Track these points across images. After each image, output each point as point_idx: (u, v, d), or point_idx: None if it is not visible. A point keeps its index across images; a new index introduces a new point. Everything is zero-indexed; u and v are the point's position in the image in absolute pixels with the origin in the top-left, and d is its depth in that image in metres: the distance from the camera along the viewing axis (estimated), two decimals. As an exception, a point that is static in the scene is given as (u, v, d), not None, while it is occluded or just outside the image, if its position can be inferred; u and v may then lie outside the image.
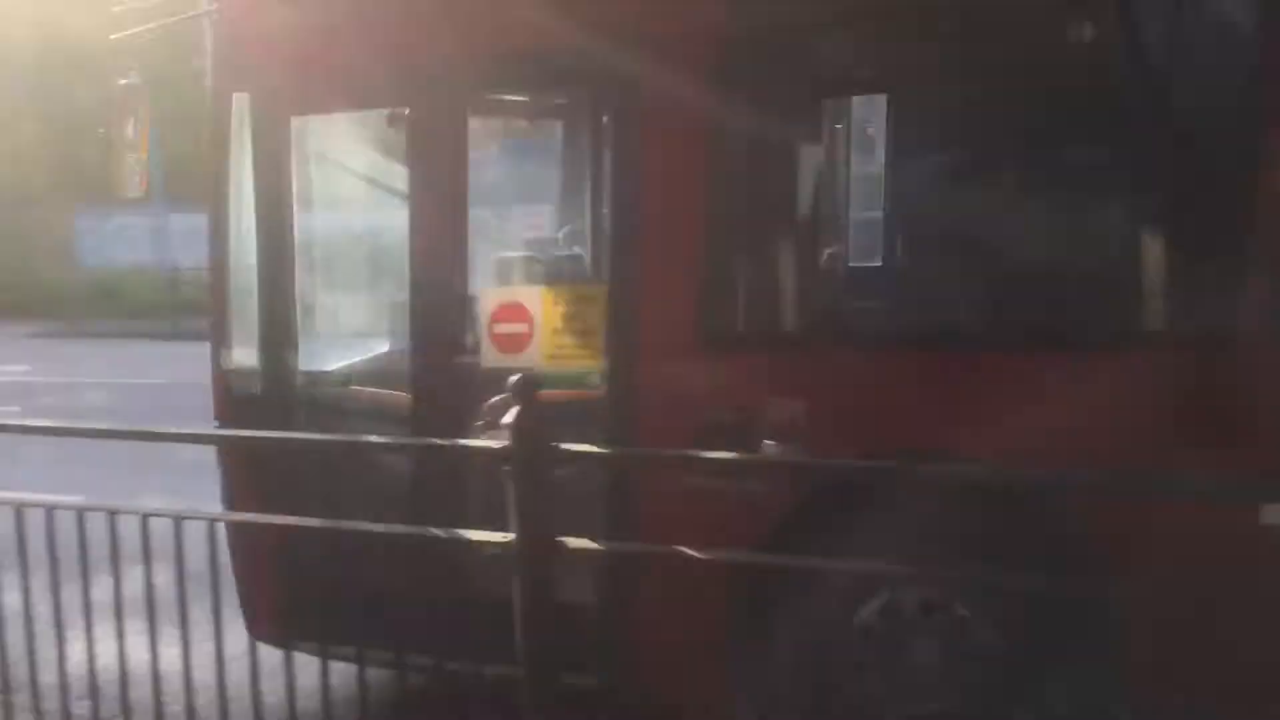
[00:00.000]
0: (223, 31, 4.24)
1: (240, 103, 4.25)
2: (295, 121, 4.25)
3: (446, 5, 3.96)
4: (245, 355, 4.35)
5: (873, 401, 3.29)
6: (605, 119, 4.54)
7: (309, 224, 4.46)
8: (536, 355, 3.88)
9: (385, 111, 4.49)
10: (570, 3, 3.63)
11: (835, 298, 4.29)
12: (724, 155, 3.54)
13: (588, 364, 3.86)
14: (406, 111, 4.11)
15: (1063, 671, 3.08)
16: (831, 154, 4.73)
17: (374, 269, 4.80)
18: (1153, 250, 3.32)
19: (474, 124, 4.23)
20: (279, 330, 4.28)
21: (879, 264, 4.86)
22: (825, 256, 4.28)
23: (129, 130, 4.73)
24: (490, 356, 3.93)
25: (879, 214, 4.87)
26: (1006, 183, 3.84)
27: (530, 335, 3.92)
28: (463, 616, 3.35)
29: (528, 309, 3.93)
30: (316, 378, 4.45)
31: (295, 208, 4.31)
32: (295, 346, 4.29)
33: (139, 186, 4.83)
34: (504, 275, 4.43)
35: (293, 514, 3.43)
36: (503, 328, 3.97)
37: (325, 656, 3.34)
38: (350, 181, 4.89)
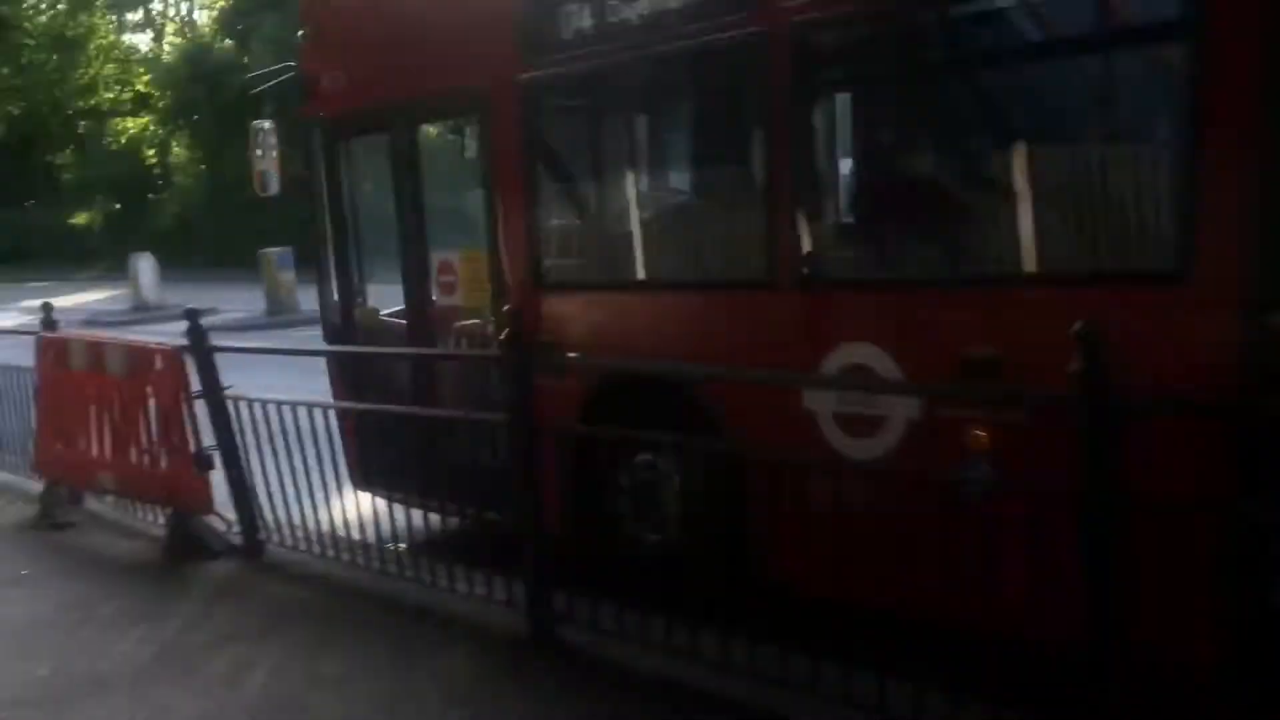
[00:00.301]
0: (305, 87, 6.91)
1: (314, 131, 6.92)
2: (341, 145, 6.86)
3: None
4: (335, 302, 7.07)
5: (619, 325, 5.43)
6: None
7: (355, 211, 6.97)
8: (459, 297, 6.32)
9: (385, 137, 6.65)
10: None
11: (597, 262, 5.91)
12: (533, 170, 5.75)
13: (481, 300, 6.12)
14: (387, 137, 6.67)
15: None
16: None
17: (391, 244, 6.59)
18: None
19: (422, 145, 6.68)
20: (348, 287, 6.98)
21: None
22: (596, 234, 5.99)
23: (260, 154, 7.41)
24: (439, 298, 6.46)
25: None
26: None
27: (456, 284, 6.33)
28: (477, 475, 5.26)
29: (455, 266, 6.32)
30: (369, 313, 7.02)
31: (346, 201, 6.91)
32: (358, 296, 7.03)
33: (270, 190, 7.46)
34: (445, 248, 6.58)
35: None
36: (443, 278, 6.40)
37: (391, 500, 6.07)
38: (376, 183, 7.17)
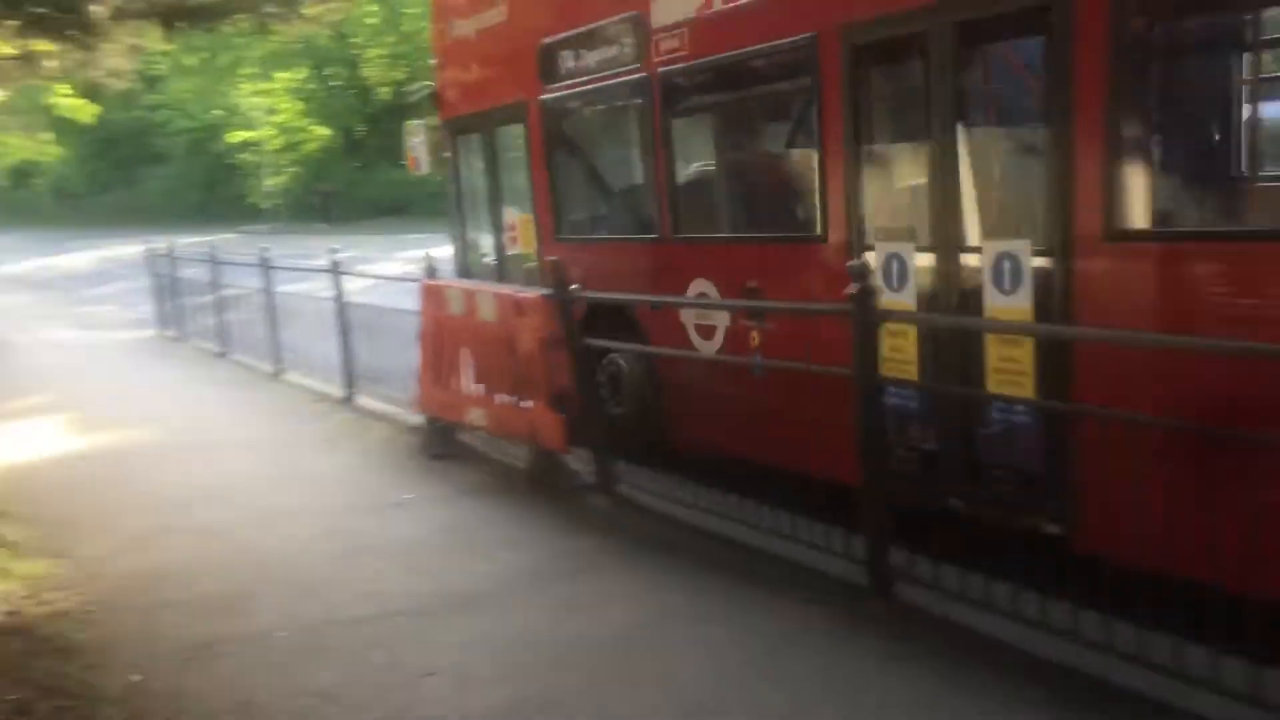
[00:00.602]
0: (436, 100, 9.79)
1: (445, 127, 9.75)
2: (458, 139, 9.63)
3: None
4: (460, 247, 9.86)
5: (608, 268, 7.49)
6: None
7: (468, 185, 9.73)
8: (519, 246, 8.84)
9: (478, 134, 9.34)
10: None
11: (583, 222, 8.48)
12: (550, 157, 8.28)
13: (530, 248, 8.65)
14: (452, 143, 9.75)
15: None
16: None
17: (489, 211, 9.38)
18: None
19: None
20: (464, 238, 9.78)
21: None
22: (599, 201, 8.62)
23: (413, 144, 10.09)
24: (509, 247, 9.05)
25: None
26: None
27: (517, 237, 8.88)
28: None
29: (515, 225, 8.90)
30: (475, 257, 9.69)
31: (463, 178, 9.73)
32: (471, 244, 9.75)
33: (423, 169, 10.08)
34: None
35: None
36: (509, 233, 9.01)
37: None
38: (478, 166, 9.50)
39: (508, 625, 4.89)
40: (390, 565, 5.75)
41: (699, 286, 6.77)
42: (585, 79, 7.64)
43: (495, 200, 9.19)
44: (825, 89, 5.71)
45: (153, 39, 8.82)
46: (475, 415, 7.52)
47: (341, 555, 5.95)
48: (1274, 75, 5.81)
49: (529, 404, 6.89)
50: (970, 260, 5.08)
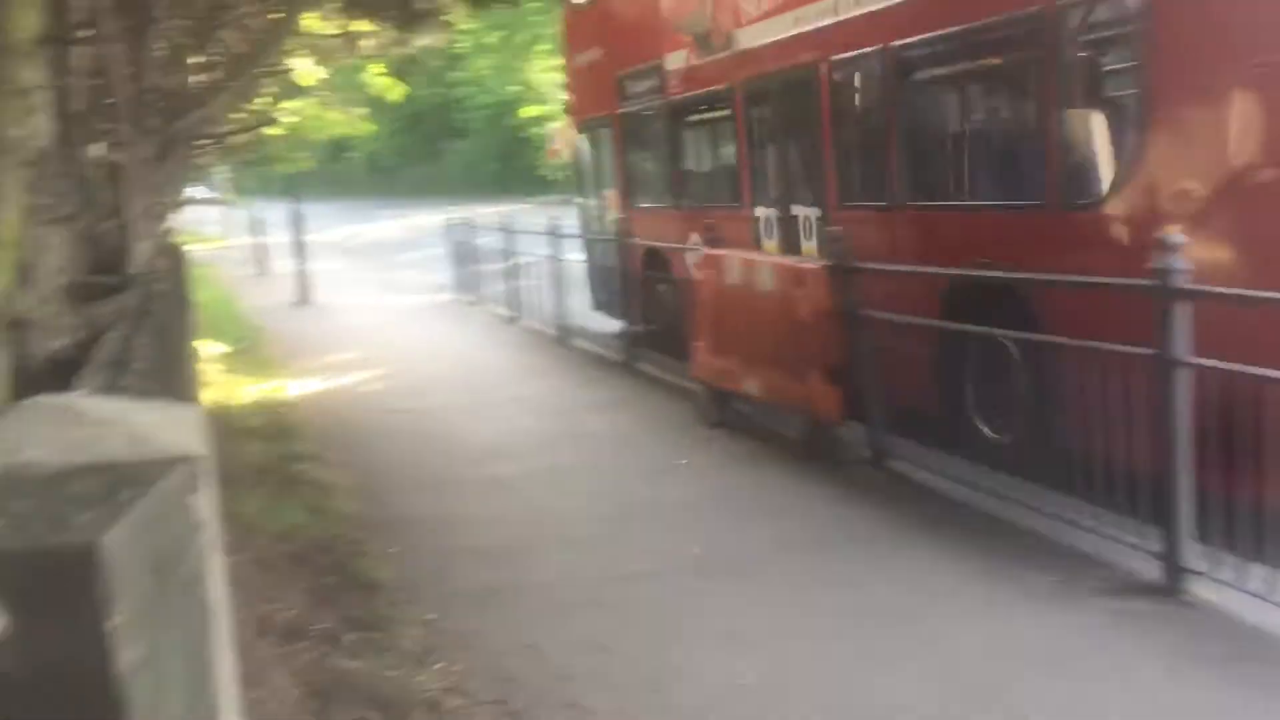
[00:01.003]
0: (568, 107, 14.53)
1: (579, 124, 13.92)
2: (585, 134, 13.46)
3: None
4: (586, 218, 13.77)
5: (652, 227, 11.20)
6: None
7: (589, 171, 13.56)
8: (611, 213, 12.49)
9: (591, 135, 13.36)
10: None
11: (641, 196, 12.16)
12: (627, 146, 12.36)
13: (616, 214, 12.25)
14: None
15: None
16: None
17: (595, 187, 13.30)
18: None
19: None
20: (585, 209, 13.81)
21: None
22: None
23: (552, 139, 16.22)
24: (606, 213, 12.90)
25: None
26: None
27: (609, 206, 12.78)
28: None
29: (608, 196, 12.88)
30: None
31: (587, 166, 13.61)
32: (587, 213, 13.67)
33: (564, 158, 15.24)
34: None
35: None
36: (606, 202, 13.00)
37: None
38: (592, 157, 13.32)
39: (774, 591, 4.92)
40: (663, 527, 5.91)
41: (694, 240, 9.60)
42: (637, 102, 11.68)
43: (599, 179, 13.08)
44: (737, 119, 9.77)
45: (460, 17, 9.36)
46: (750, 384, 7.58)
47: (617, 515, 6.16)
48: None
49: (804, 375, 6.87)
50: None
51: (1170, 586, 4.50)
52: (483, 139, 53.69)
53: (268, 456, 7.53)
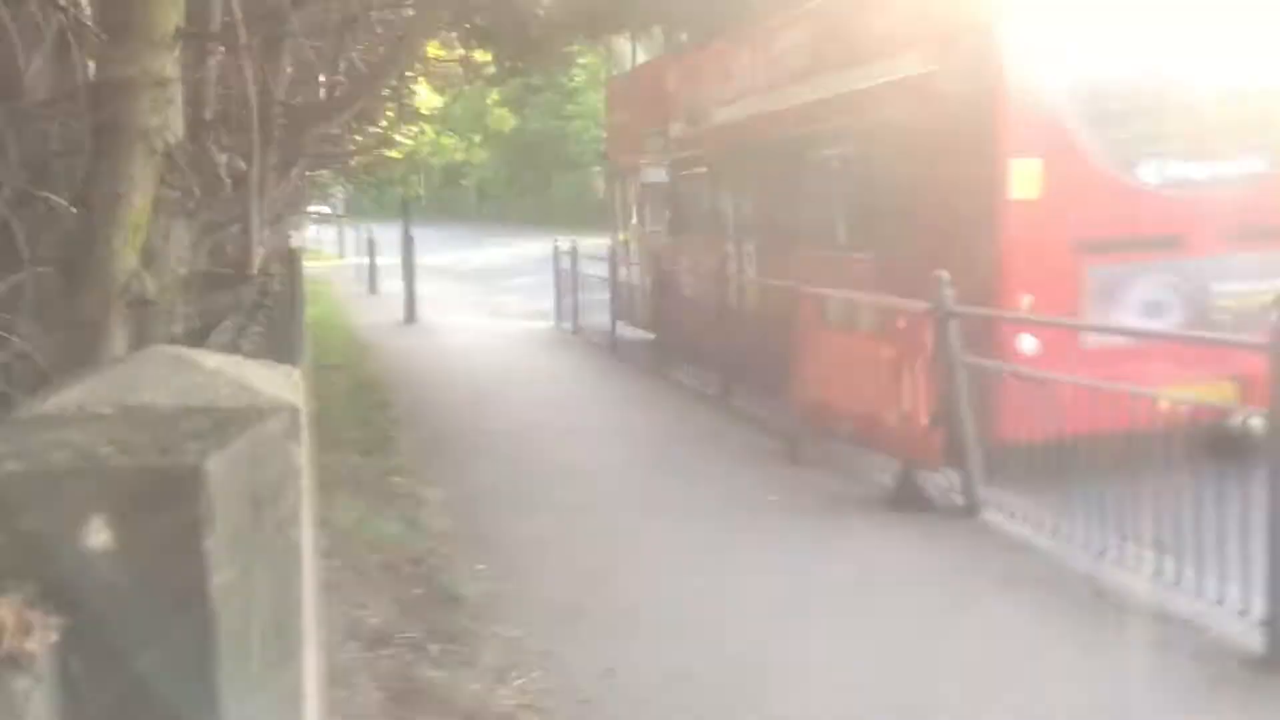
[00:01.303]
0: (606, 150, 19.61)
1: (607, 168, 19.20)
2: (616, 176, 17.57)
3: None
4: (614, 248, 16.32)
5: (703, 258, 12.66)
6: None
7: (626, 204, 16.66)
8: (633, 241, 16.33)
9: (623, 174, 17.07)
10: None
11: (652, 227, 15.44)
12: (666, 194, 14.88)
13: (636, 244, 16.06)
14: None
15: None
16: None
17: (622, 219, 16.82)
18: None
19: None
20: (615, 239, 16.74)
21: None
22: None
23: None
24: (630, 241, 16.41)
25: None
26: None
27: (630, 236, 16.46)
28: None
29: (630, 228, 16.55)
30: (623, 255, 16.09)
31: (619, 201, 17.17)
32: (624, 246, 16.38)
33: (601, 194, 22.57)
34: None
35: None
36: (628, 233, 16.54)
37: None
38: (620, 194, 17.26)
39: (855, 633, 4.87)
40: (749, 561, 5.88)
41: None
42: (648, 157, 14.72)
43: (625, 213, 16.28)
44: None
45: (577, 48, 9.57)
46: (844, 424, 7.52)
47: (703, 547, 6.15)
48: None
49: (900, 418, 6.80)
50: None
51: (1274, 655, 4.33)
52: (592, 172, 54.45)
53: (366, 469, 7.70)
